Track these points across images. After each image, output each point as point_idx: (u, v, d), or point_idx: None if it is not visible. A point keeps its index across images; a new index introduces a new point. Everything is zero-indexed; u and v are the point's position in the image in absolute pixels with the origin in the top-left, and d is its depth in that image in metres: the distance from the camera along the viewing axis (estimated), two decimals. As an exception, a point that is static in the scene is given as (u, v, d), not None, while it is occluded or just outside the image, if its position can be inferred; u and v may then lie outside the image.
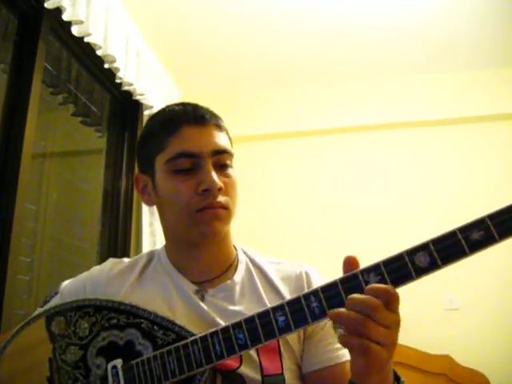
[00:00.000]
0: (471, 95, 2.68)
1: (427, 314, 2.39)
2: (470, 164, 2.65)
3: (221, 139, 0.81)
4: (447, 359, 2.22)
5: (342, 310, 0.53)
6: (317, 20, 2.31)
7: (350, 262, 0.56)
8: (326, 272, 0.88)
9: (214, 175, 0.76)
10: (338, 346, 0.76)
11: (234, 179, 0.81)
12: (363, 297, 0.52)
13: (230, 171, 0.81)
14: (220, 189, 0.76)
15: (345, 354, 0.76)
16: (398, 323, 0.54)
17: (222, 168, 0.79)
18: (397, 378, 0.61)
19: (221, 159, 0.79)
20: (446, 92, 2.72)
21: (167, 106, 0.87)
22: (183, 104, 0.84)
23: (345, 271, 0.56)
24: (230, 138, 0.85)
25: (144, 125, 0.90)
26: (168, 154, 0.78)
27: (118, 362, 0.67)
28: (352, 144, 2.82)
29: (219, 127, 0.82)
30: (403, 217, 2.61)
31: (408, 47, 2.52)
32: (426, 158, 2.71)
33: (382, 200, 2.67)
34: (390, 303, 0.52)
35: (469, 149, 2.67)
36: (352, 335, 0.52)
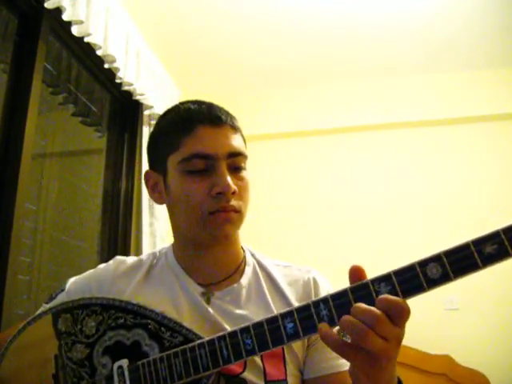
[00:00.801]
0: (471, 95, 2.68)
1: (427, 314, 2.38)
2: (471, 164, 2.65)
3: (236, 141, 0.79)
4: (447, 359, 2.22)
5: (350, 317, 0.52)
6: (317, 20, 2.31)
7: (356, 272, 0.55)
8: (326, 272, 0.88)
9: (229, 178, 0.75)
10: None
11: (247, 182, 0.80)
12: (367, 307, 0.52)
13: (244, 174, 0.80)
14: (234, 192, 0.75)
15: (346, 363, 0.75)
16: (399, 338, 0.53)
17: (236, 170, 0.78)
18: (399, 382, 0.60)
19: (235, 161, 0.78)
20: (446, 92, 2.72)
21: (181, 104, 0.85)
22: (198, 103, 0.83)
23: (351, 281, 0.55)
24: (244, 139, 0.83)
25: (156, 121, 0.88)
26: (182, 154, 0.77)
27: (124, 362, 0.67)
28: (352, 144, 2.82)
29: (234, 128, 0.81)
30: (403, 216, 2.61)
31: (408, 47, 2.52)
32: (426, 157, 2.71)
33: (381, 200, 2.67)
34: (398, 317, 0.51)
35: (469, 149, 2.67)
36: (339, 345, 0.53)
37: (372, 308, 0.51)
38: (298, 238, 2.67)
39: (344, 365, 0.75)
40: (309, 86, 2.87)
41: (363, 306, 0.52)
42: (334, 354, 0.75)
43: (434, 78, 2.74)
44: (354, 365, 0.55)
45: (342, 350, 0.53)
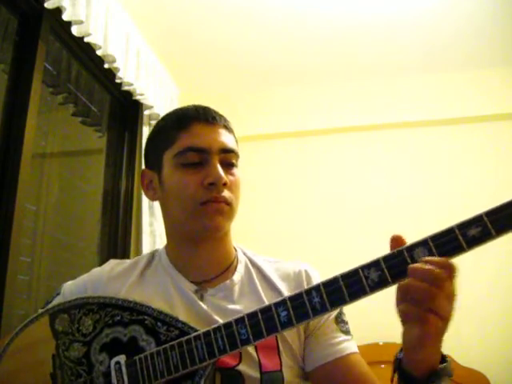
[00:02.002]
0: (471, 95, 2.68)
1: (427, 314, 2.39)
2: (470, 164, 2.65)
3: (228, 139, 0.83)
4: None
5: (410, 279, 0.53)
6: (317, 19, 2.31)
7: (397, 240, 0.57)
8: (326, 272, 0.88)
9: (221, 170, 0.78)
10: (340, 339, 0.77)
11: (238, 179, 0.83)
12: (431, 267, 0.52)
13: (235, 171, 0.83)
14: (225, 184, 0.78)
15: (348, 347, 0.76)
16: (456, 296, 0.55)
17: (227, 166, 0.82)
18: (443, 356, 0.60)
19: (227, 157, 0.82)
20: (446, 92, 2.72)
21: (179, 107, 0.90)
22: (195, 106, 0.87)
23: (392, 247, 0.57)
24: (236, 141, 0.87)
25: (155, 124, 0.92)
26: (177, 147, 0.81)
27: (121, 358, 0.68)
28: (352, 144, 2.82)
29: (227, 128, 0.85)
30: (403, 216, 2.61)
31: (408, 47, 2.52)
32: (426, 157, 2.71)
33: (381, 200, 2.67)
34: (452, 276, 0.53)
35: (469, 149, 2.67)
36: (413, 305, 0.53)
37: (433, 267, 0.52)
38: (297, 237, 2.66)
39: (345, 348, 0.76)
40: (308, 86, 2.87)
41: (423, 266, 0.52)
42: (335, 340, 0.76)
43: (434, 78, 2.74)
44: (420, 327, 0.54)
45: (425, 291, 0.53)
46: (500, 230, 0.49)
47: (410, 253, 0.53)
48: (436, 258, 0.52)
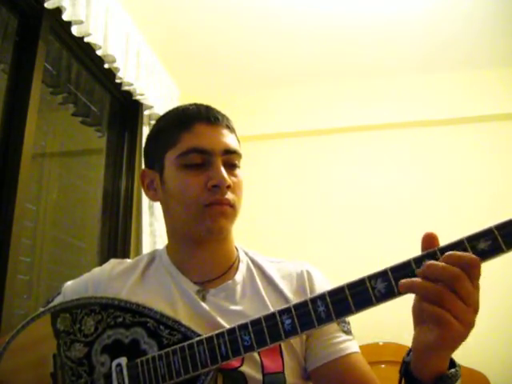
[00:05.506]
0: (471, 95, 2.68)
1: (427, 314, 2.38)
2: (471, 164, 2.65)
3: (231, 140, 0.83)
4: (447, 359, 2.22)
5: (416, 280, 0.50)
6: (317, 20, 2.31)
7: (429, 239, 0.53)
8: (327, 272, 0.88)
9: (224, 172, 0.78)
10: (341, 339, 0.77)
11: (241, 180, 0.83)
12: (443, 264, 0.49)
13: (238, 172, 0.83)
14: (229, 186, 0.78)
15: (349, 347, 0.76)
16: (477, 302, 0.51)
17: (230, 167, 0.81)
18: (452, 360, 0.58)
19: (230, 159, 0.81)
20: (446, 92, 2.72)
21: (180, 106, 0.88)
22: (196, 104, 0.86)
23: (423, 248, 0.54)
24: (238, 141, 0.87)
25: (155, 122, 0.91)
26: (179, 148, 0.80)
27: (123, 360, 0.68)
28: (352, 144, 2.82)
29: (230, 128, 0.84)
30: (403, 216, 2.61)
31: (408, 47, 2.52)
32: (426, 157, 2.71)
33: (381, 200, 2.67)
34: (473, 276, 0.50)
35: (469, 149, 2.67)
36: (433, 305, 0.50)
37: (446, 265, 0.49)
38: (296, 237, 2.66)
39: (346, 348, 0.76)
40: (308, 86, 2.87)
41: (436, 263, 0.50)
42: (335, 340, 0.76)
43: (434, 78, 2.74)
44: (439, 330, 0.51)
45: (438, 292, 0.50)
46: (511, 245, 0.48)
47: (418, 264, 0.51)
48: (458, 253, 0.49)
